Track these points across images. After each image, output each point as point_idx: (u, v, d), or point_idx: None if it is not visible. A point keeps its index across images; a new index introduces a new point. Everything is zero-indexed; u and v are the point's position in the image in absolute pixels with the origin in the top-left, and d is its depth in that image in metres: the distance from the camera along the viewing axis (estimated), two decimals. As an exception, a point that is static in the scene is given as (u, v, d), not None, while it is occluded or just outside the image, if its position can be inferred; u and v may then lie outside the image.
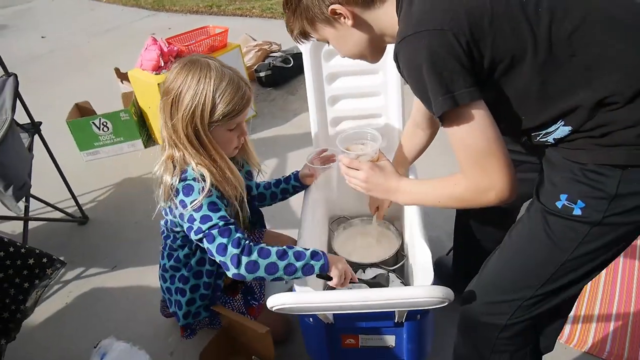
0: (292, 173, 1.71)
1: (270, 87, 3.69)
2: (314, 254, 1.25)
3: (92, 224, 2.59)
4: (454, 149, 1.01)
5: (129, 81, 3.19)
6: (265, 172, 1.84)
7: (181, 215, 1.28)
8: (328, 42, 1.18)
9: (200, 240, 1.25)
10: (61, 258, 1.76)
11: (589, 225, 0.98)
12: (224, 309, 1.58)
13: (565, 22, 0.90)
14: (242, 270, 1.19)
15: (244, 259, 1.19)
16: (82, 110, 3.25)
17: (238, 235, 1.23)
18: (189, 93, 1.23)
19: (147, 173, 2.95)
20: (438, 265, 1.98)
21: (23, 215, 2.17)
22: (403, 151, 1.58)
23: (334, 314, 1.29)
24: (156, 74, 2.83)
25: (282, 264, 1.21)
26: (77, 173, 3.00)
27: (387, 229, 1.82)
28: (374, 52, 1.17)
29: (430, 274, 1.28)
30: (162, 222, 1.47)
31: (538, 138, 1.04)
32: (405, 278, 1.68)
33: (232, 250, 1.20)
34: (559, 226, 1.03)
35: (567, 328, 1.63)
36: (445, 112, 0.93)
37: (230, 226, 1.24)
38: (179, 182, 1.27)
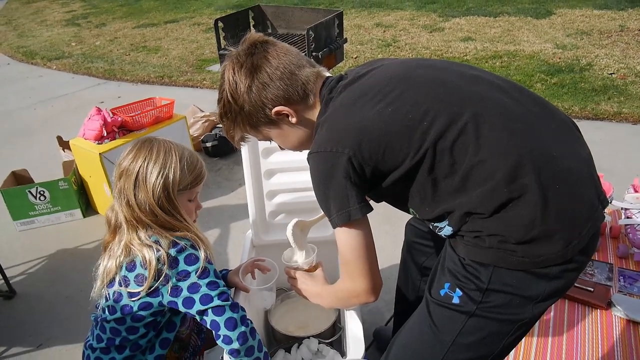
0: (221, 272, 1.61)
1: (217, 157, 3.71)
2: None
3: (19, 299, 2.44)
4: (340, 252, 1.13)
5: (70, 150, 3.15)
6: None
7: (174, 289, 1.20)
8: (270, 140, 1.25)
9: (204, 312, 1.19)
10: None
11: (465, 315, 1.05)
12: None
13: (449, 133, 0.99)
14: (243, 349, 1.18)
15: (250, 341, 1.19)
16: (19, 179, 3.15)
17: (244, 313, 1.21)
18: (156, 167, 1.24)
19: (83, 244, 2.85)
20: (377, 336, 1.99)
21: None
22: None
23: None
24: (98, 143, 2.81)
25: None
26: (8, 243, 2.87)
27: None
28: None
29: (361, 345, 1.29)
30: (110, 316, 1.28)
31: (435, 230, 1.12)
32: (342, 349, 1.67)
33: (241, 328, 1.19)
34: (440, 316, 1.10)
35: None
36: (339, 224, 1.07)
37: (234, 300, 1.22)
38: (177, 253, 1.21)
